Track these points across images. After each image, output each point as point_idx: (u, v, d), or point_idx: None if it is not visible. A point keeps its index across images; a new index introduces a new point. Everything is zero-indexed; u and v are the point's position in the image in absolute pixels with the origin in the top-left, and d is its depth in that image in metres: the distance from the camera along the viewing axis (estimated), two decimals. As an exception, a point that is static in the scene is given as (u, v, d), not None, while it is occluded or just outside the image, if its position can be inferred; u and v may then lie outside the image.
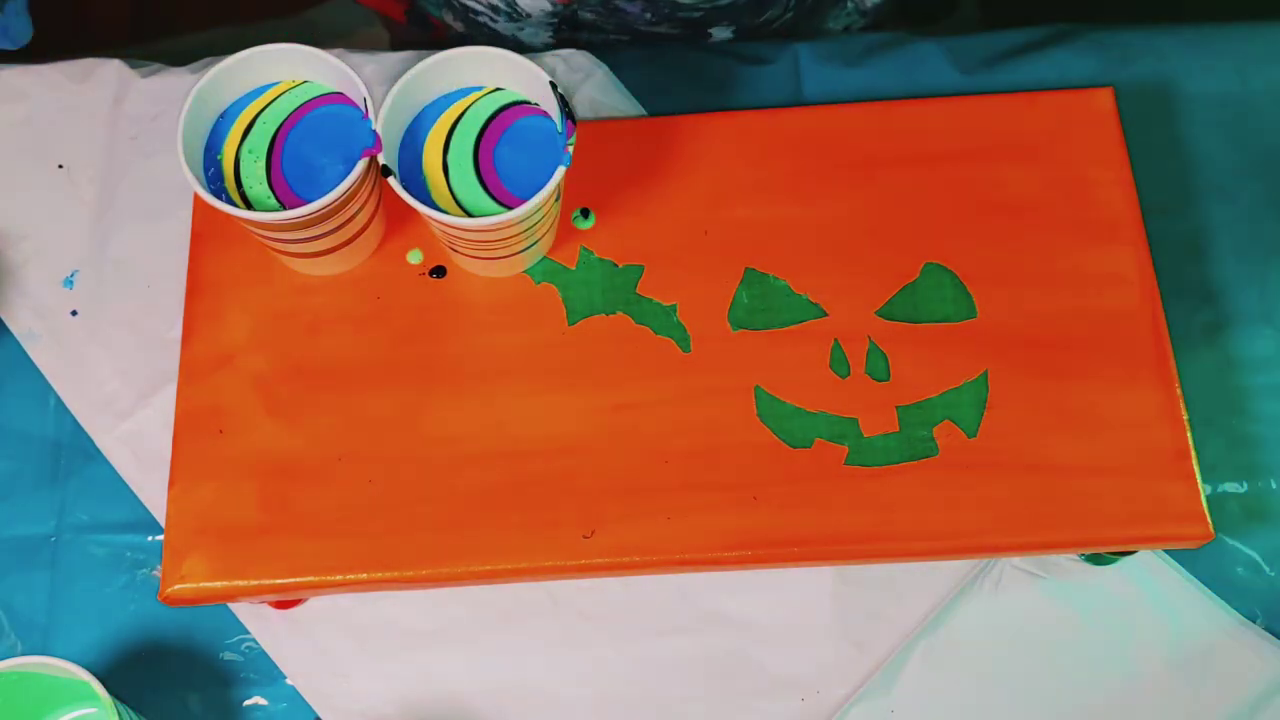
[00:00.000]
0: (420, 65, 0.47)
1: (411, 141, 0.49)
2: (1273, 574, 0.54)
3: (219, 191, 0.48)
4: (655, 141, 0.55)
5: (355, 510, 0.49)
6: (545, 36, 0.69)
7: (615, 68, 0.62)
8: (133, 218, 0.61)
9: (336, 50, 0.62)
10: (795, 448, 0.49)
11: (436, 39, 0.75)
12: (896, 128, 0.55)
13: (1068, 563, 0.54)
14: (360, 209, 0.49)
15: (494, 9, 0.67)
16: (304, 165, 0.48)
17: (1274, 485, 0.55)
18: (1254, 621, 0.54)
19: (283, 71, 0.49)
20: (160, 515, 0.56)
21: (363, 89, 0.47)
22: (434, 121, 0.49)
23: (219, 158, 0.49)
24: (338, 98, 0.49)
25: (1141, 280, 0.51)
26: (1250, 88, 0.61)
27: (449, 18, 0.71)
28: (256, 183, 0.48)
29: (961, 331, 0.51)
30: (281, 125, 0.49)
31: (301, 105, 0.49)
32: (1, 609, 0.55)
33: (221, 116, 0.49)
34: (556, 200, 0.49)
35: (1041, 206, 0.53)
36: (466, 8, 0.68)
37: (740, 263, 0.52)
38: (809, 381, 0.50)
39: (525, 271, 0.53)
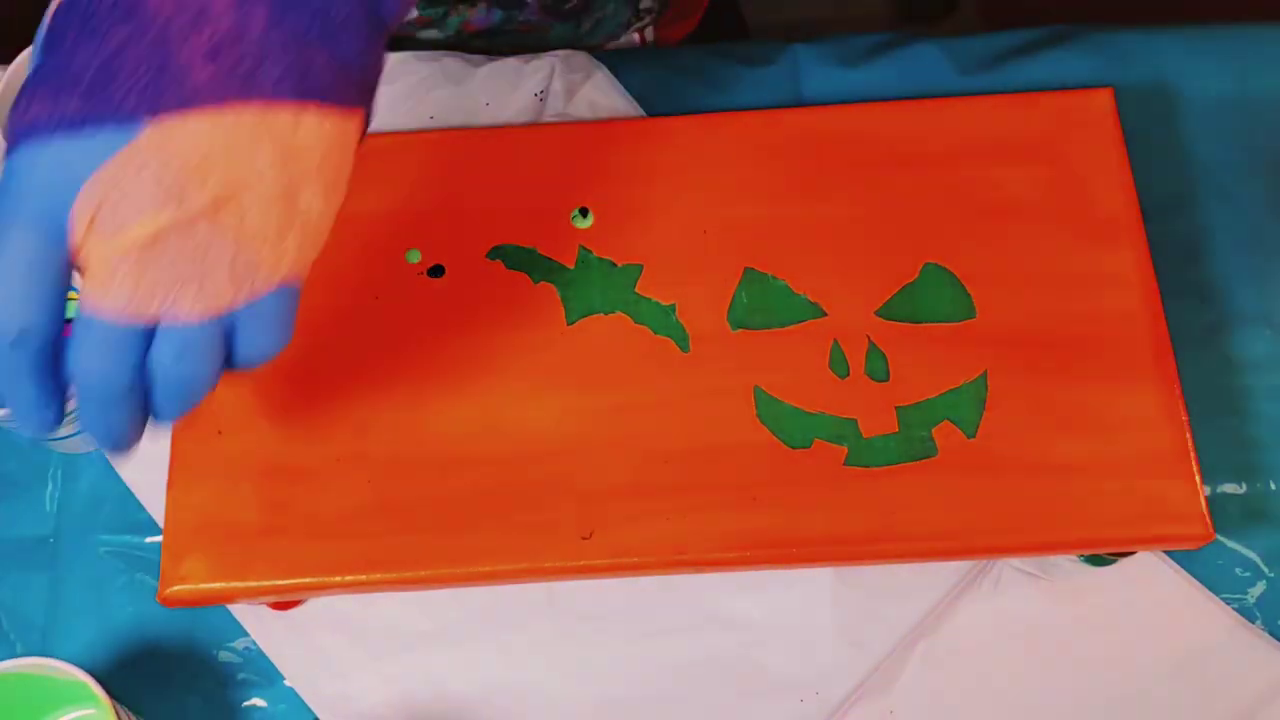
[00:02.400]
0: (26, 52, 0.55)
1: None
2: (1272, 575, 0.54)
3: None
4: (654, 141, 0.55)
5: (354, 511, 0.49)
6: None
7: (615, 68, 0.62)
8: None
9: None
10: (794, 448, 0.49)
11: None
12: (896, 128, 0.55)
13: (1067, 563, 0.54)
14: None
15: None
16: None
17: (1273, 486, 0.55)
18: (1253, 623, 0.54)
19: None
20: (159, 516, 0.56)
21: None
22: None
23: None
24: None
25: (1141, 281, 0.51)
26: (1250, 88, 0.61)
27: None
28: None
29: (961, 332, 0.51)
30: None
31: None
32: (1, 609, 0.55)
33: None
34: None
35: (1041, 207, 0.53)
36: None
37: (740, 262, 0.52)
38: (808, 382, 0.50)
39: (523, 271, 0.53)
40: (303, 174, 0.35)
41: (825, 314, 0.51)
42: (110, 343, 0.34)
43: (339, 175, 0.36)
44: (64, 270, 0.34)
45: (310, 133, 0.35)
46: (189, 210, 0.33)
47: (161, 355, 0.35)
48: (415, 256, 0.53)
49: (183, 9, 0.33)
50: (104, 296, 0.33)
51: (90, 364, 0.34)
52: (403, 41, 0.69)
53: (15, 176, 0.33)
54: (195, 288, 0.34)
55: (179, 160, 0.33)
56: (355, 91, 0.36)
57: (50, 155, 0.33)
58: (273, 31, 0.33)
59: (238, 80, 0.33)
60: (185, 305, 0.34)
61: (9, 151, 0.33)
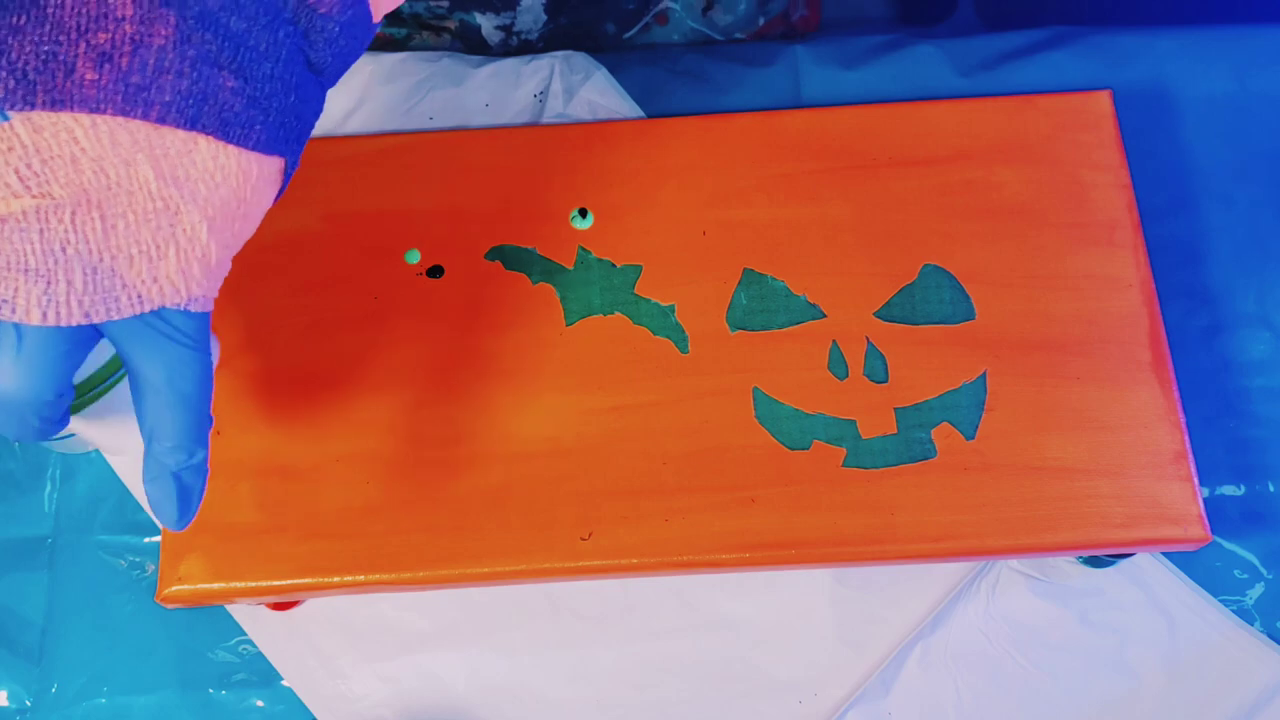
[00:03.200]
0: None
1: None
2: (1270, 577, 0.54)
3: None
4: (654, 142, 0.55)
5: (353, 512, 0.49)
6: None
7: (614, 69, 0.62)
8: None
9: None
10: (793, 449, 0.49)
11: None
12: (895, 129, 0.55)
13: (1065, 565, 0.54)
14: None
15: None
16: None
17: (1272, 488, 0.55)
18: (1251, 624, 0.54)
19: None
20: (158, 516, 0.56)
21: None
22: None
23: None
24: None
25: (1140, 282, 0.52)
26: (1249, 90, 0.61)
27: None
28: None
29: (960, 333, 0.51)
30: None
31: None
32: (0, 609, 0.55)
33: None
34: None
35: (1040, 208, 0.53)
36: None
37: (739, 263, 0.52)
38: (807, 383, 0.50)
39: (522, 271, 0.53)
40: (190, 199, 0.33)
41: (824, 315, 0.51)
42: None
43: (237, 212, 0.35)
44: None
45: (205, 162, 0.33)
46: (44, 203, 0.32)
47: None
48: (415, 256, 0.53)
49: (88, 1, 0.31)
50: None
51: None
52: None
53: None
54: (42, 285, 0.33)
55: (45, 155, 0.31)
56: (269, 132, 0.34)
57: None
58: (178, 48, 0.32)
59: (123, 93, 0.31)
60: (27, 302, 0.33)
61: None
